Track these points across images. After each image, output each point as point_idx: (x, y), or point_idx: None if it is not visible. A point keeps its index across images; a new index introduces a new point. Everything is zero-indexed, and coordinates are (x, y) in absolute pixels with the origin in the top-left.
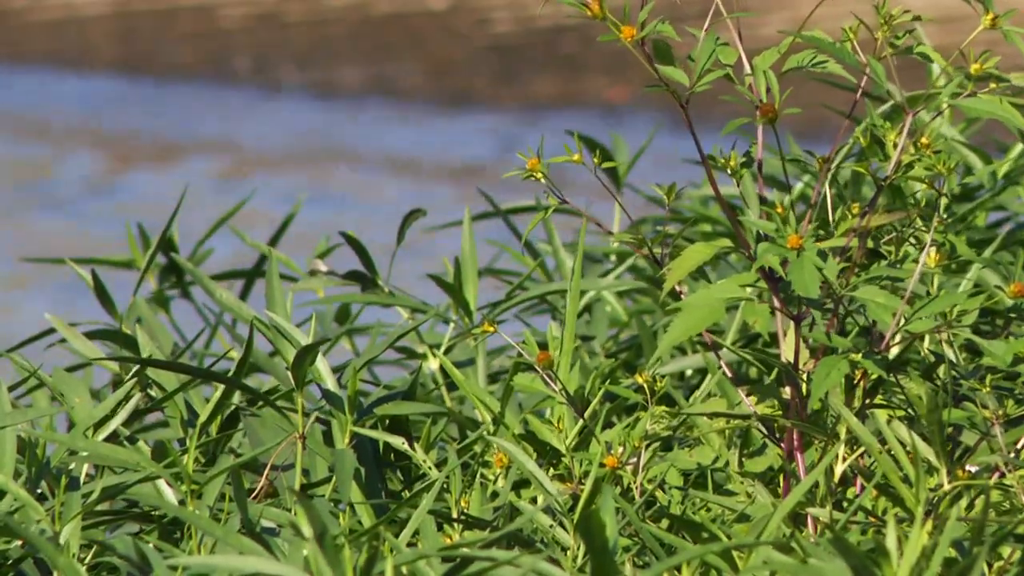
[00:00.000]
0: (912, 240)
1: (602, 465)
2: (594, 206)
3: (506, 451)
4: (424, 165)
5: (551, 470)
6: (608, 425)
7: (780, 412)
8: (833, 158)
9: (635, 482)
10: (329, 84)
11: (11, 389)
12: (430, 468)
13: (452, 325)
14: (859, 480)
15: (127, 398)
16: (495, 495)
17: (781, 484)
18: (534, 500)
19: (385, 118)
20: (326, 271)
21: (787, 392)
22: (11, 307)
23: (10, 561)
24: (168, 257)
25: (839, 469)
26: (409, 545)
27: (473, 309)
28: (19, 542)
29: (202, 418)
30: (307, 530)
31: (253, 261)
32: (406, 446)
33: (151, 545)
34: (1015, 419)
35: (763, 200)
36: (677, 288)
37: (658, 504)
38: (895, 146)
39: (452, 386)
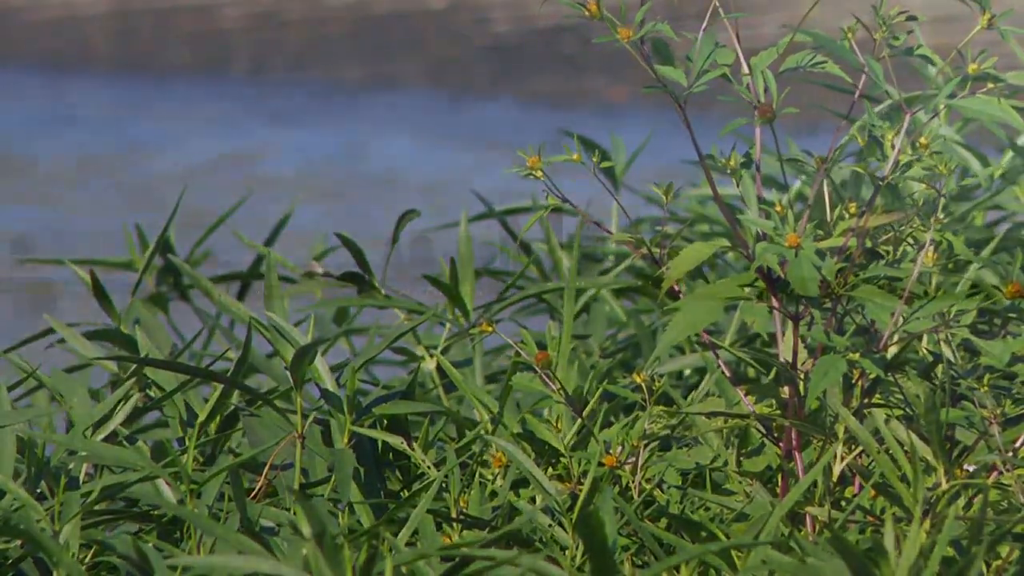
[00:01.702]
0: (910, 240)
1: (601, 464)
2: (593, 206)
3: (505, 451)
4: None
5: (549, 470)
6: (606, 424)
7: (778, 411)
8: (830, 158)
9: (634, 481)
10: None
11: (10, 389)
12: (429, 468)
13: (448, 326)
14: (857, 479)
15: (126, 398)
16: (494, 494)
17: (779, 483)
18: (533, 499)
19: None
20: (322, 273)
21: (785, 391)
22: None
23: (10, 561)
24: (165, 258)
25: (837, 468)
26: (408, 545)
27: (470, 309)
28: (18, 542)
29: (201, 418)
30: (306, 530)
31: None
32: (405, 446)
33: (150, 545)
34: (1013, 418)
35: (761, 200)
36: (675, 288)
37: (657, 503)
38: (893, 146)
39: (450, 386)
